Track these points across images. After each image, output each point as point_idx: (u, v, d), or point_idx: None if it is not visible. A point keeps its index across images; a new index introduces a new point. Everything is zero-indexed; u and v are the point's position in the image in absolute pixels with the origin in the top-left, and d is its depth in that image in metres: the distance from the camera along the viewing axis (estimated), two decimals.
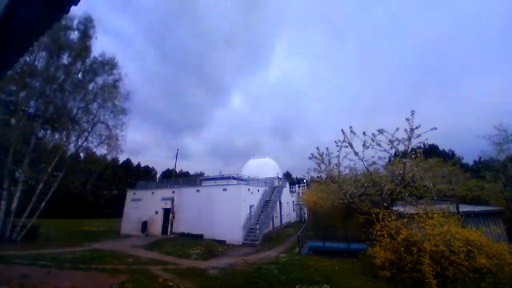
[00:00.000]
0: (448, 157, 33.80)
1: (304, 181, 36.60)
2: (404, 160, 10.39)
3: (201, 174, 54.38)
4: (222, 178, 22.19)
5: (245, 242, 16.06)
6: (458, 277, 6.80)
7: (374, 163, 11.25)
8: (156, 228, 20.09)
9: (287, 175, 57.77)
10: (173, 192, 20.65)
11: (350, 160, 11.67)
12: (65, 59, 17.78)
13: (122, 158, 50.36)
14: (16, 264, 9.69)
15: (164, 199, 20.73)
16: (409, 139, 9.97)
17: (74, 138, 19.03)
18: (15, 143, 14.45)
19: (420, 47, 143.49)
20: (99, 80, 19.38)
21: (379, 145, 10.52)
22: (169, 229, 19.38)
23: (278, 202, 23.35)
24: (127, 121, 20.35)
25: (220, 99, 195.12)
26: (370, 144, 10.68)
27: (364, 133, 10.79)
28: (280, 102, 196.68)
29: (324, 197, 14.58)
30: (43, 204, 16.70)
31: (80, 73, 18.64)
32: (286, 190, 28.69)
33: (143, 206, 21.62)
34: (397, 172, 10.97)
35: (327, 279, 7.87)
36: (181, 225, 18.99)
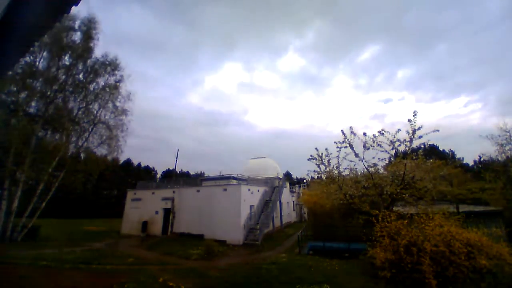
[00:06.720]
0: (448, 157, 33.74)
1: (304, 181, 36.62)
2: (405, 162, 10.36)
3: (202, 174, 54.52)
4: (223, 178, 22.21)
5: (246, 242, 16.05)
6: (459, 277, 6.78)
7: (375, 164, 11.22)
8: (156, 228, 20.09)
9: (287, 175, 57.71)
10: (174, 192, 20.65)
11: (350, 161, 11.66)
12: (66, 59, 17.85)
13: (122, 158, 50.41)
14: (17, 264, 9.71)
15: (164, 199, 20.74)
16: (410, 140, 9.94)
17: (74, 139, 19.08)
18: (15, 144, 14.47)
19: None
20: (101, 81, 19.46)
21: (379, 145, 10.50)
22: (169, 229, 19.39)
23: (278, 202, 23.32)
24: (127, 122, 20.44)
25: None
26: (371, 145, 10.66)
27: (364, 134, 10.78)
28: None
29: (324, 198, 14.55)
30: (43, 204, 16.76)
31: (82, 73, 18.69)
32: (286, 190, 28.67)
33: (143, 206, 21.65)
34: (397, 173, 10.94)
35: (327, 279, 7.87)
36: (182, 225, 18.99)
